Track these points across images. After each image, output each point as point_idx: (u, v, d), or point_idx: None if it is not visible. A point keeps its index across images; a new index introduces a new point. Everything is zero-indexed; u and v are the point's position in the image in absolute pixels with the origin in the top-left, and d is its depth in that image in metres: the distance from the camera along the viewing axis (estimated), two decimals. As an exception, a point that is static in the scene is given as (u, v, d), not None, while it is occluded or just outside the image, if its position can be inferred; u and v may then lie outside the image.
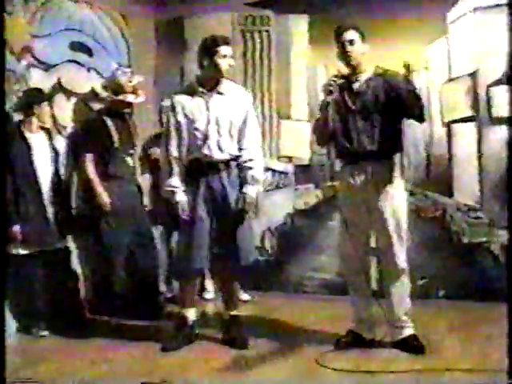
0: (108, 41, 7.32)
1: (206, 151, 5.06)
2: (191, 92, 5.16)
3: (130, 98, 6.16)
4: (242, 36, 7.53)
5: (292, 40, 7.43)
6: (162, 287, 6.68)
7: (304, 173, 7.40)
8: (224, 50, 5.03)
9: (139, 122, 6.74)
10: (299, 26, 7.40)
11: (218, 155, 5.07)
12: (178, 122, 5.13)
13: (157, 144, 6.52)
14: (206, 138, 5.06)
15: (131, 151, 6.25)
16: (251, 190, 5.10)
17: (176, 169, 5.14)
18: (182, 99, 5.16)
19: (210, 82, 5.12)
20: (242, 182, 5.13)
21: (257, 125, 5.37)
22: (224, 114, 5.08)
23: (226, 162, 5.11)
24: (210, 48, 5.05)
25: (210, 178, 5.08)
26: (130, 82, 6.18)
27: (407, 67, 5.62)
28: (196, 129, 5.08)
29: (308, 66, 7.39)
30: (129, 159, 6.19)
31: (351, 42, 4.79)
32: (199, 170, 5.11)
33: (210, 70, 5.08)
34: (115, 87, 6.16)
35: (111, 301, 6.12)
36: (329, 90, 4.72)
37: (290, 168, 7.43)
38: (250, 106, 5.24)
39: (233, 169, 5.14)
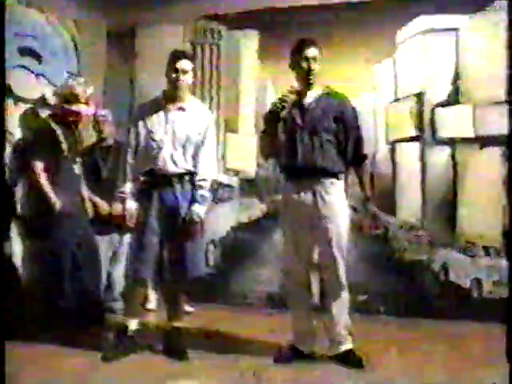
0: (58, 48, 7.26)
1: (160, 163, 5.07)
2: (155, 105, 5.18)
3: (82, 108, 6.08)
4: (193, 48, 7.53)
5: (242, 54, 7.48)
6: (106, 296, 6.61)
7: (249, 186, 7.42)
8: (182, 64, 5.04)
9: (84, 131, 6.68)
10: (249, 41, 7.45)
11: (171, 168, 5.08)
12: (137, 132, 5.15)
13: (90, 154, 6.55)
14: (160, 149, 5.07)
15: (78, 159, 6.19)
16: (199, 209, 5.09)
17: (130, 176, 5.16)
18: (144, 110, 5.21)
19: (172, 96, 5.14)
20: (193, 198, 5.13)
21: (214, 145, 5.37)
22: (181, 128, 5.09)
23: (180, 176, 5.11)
24: (170, 62, 5.08)
25: (163, 191, 5.09)
26: (85, 92, 6.12)
27: None
28: (153, 139, 5.09)
29: (257, 81, 7.42)
30: (76, 167, 6.13)
31: (314, 59, 4.83)
32: (153, 181, 5.12)
33: (170, 85, 5.11)
34: (69, 96, 6.07)
35: (55, 308, 6.03)
36: (283, 105, 4.74)
37: (235, 181, 7.43)
38: (210, 125, 5.24)
39: (186, 182, 5.13)
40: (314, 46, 4.83)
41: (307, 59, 4.81)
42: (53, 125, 6.05)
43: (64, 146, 5.99)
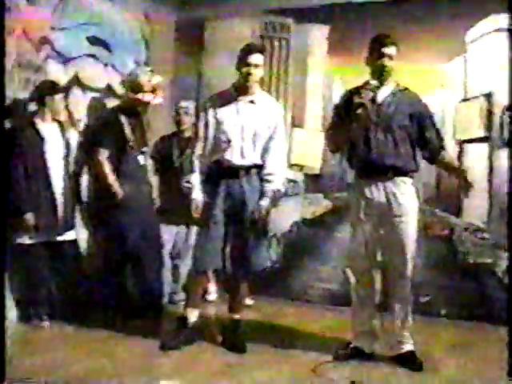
0: (127, 38, 7.30)
1: (228, 156, 5.11)
2: (226, 97, 5.21)
3: (147, 97, 6.12)
4: (261, 42, 7.50)
5: (310, 49, 7.43)
6: (167, 287, 6.64)
7: (314, 182, 7.39)
8: (254, 58, 5.05)
9: (153, 121, 6.72)
10: (318, 35, 7.40)
11: (239, 161, 5.12)
12: (206, 123, 5.19)
13: (165, 145, 6.58)
14: (229, 142, 5.09)
15: (144, 149, 6.22)
16: (268, 204, 5.13)
17: (197, 167, 5.21)
18: (215, 102, 5.22)
19: (243, 89, 5.16)
20: (261, 193, 5.15)
21: (284, 140, 5.39)
22: (251, 122, 5.12)
23: (247, 169, 5.14)
24: (243, 56, 5.08)
25: (230, 182, 5.12)
26: (150, 81, 6.15)
27: None
28: (222, 132, 5.12)
29: (325, 76, 7.38)
30: (141, 158, 6.16)
31: (391, 57, 4.78)
32: (220, 172, 5.15)
33: (241, 78, 5.11)
34: (134, 85, 6.12)
35: (116, 296, 6.08)
36: (360, 102, 4.68)
37: (299, 176, 7.41)
38: (279, 120, 5.28)
39: (253, 175, 5.17)
40: (392, 44, 4.79)
41: (383, 56, 4.76)
42: (119, 115, 6.09)
43: (129, 136, 6.03)
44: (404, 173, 4.81)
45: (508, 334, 4.49)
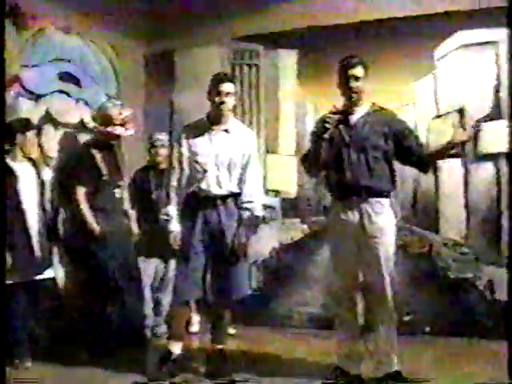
0: (97, 72, 7.32)
1: (204, 185, 5.10)
2: (200, 127, 5.21)
3: (118, 130, 6.09)
4: (232, 69, 7.54)
5: (281, 74, 7.47)
6: (149, 320, 6.60)
7: (290, 207, 7.39)
8: (226, 87, 5.07)
9: (128, 154, 6.70)
10: (288, 60, 7.44)
11: (215, 190, 5.11)
12: (181, 154, 5.19)
13: (141, 177, 6.57)
14: (204, 172, 5.10)
15: (120, 183, 6.18)
16: (246, 232, 5.12)
17: (174, 199, 5.19)
18: (188, 133, 5.22)
19: (216, 119, 5.17)
20: (240, 221, 5.14)
21: (258, 166, 5.41)
22: (225, 151, 5.12)
23: (224, 198, 5.13)
24: (214, 85, 5.10)
25: (208, 212, 5.11)
26: (121, 114, 6.12)
27: None
28: (197, 162, 5.12)
29: (296, 101, 7.40)
30: (117, 191, 6.13)
31: (357, 79, 4.78)
32: (198, 202, 5.14)
33: (214, 107, 5.12)
34: (104, 118, 6.09)
35: (98, 331, 6.03)
36: (325, 127, 4.68)
37: (276, 202, 7.41)
38: (253, 147, 5.29)
39: (230, 204, 5.16)
40: (358, 64, 4.79)
41: (349, 78, 4.77)
42: (91, 149, 6.07)
43: (103, 170, 6.00)
44: (379, 193, 4.80)
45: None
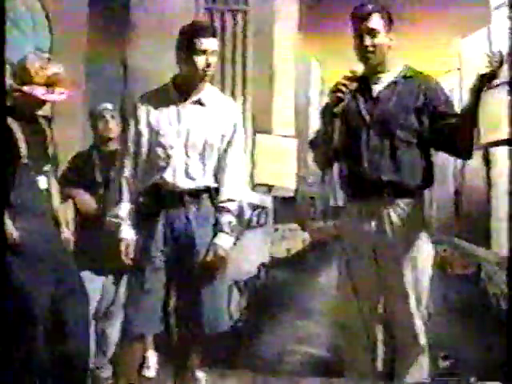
0: (24, 18, 7.25)
1: (168, 177, 4.94)
2: (163, 96, 5.07)
3: (39, 91, 5.96)
4: (210, 17, 7.48)
5: (276, 24, 7.42)
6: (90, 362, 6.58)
7: (286, 208, 7.35)
8: (205, 42, 4.88)
9: (63, 129, 6.62)
10: (286, 6, 7.40)
11: (184, 183, 4.93)
12: (138, 133, 5.00)
13: (82, 164, 6.49)
14: (169, 158, 4.94)
15: (45, 168, 6.06)
16: (226, 241, 4.96)
17: (126, 195, 5.01)
18: (148, 104, 5.06)
19: (188, 86, 5.02)
20: (217, 227, 5.01)
21: (243, 153, 5.31)
22: (199, 129, 4.96)
23: (195, 194, 4.99)
24: (187, 40, 4.93)
25: (173, 213, 4.95)
26: (44, 68, 6.01)
27: None
28: (160, 144, 4.96)
29: (296, 60, 7.37)
30: (41, 179, 6.00)
31: (372, 33, 4.70)
32: (158, 200, 4.98)
33: (186, 71, 4.97)
34: (23, 75, 5.98)
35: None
36: (338, 97, 4.60)
37: (268, 200, 7.35)
38: (238, 125, 5.11)
39: (204, 203, 5.01)
40: (376, 15, 4.72)
41: (366, 31, 4.71)
42: (7, 119, 5.94)
43: (22, 149, 5.88)
44: (407, 191, 4.72)
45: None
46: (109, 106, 6.45)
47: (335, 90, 4.54)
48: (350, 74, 4.57)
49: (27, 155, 5.71)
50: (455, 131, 4.57)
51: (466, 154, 4.78)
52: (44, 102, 5.87)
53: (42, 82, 5.77)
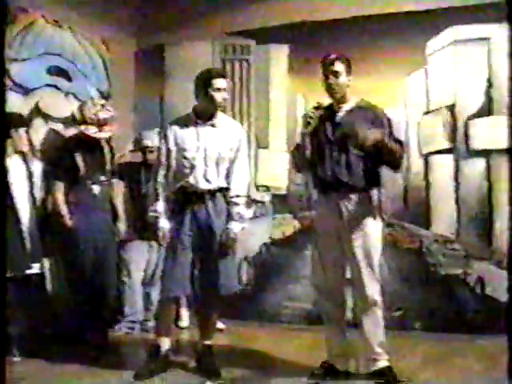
0: (88, 66, 7.29)
1: (192, 180, 5.09)
2: (186, 122, 5.20)
3: (91, 131, 6.08)
4: (223, 64, 7.54)
5: (272, 69, 7.46)
6: (139, 315, 6.63)
7: (281, 202, 7.39)
8: (219, 82, 5.06)
9: (118, 149, 6.68)
10: (279, 55, 7.43)
11: (203, 185, 5.09)
12: (168, 150, 5.18)
13: (132, 171, 6.59)
14: (192, 167, 5.09)
15: (102, 178, 6.14)
16: (235, 227, 5.11)
17: (161, 195, 5.20)
18: (175, 128, 5.20)
19: (205, 113, 5.16)
20: (228, 216, 5.13)
21: (247, 161, 5.40)
22: (213, 145, 5.10)
23: (212, 193, 5.12)
24: (204, 81, 5.08)
25: (196, 207, 5.10)
26: (96, 115, 6.09)
27: None
28: (184, 157, 5.11)
29: (287, 96, 7.40)
30: (95, 188, 6.09)
31: (336, 74, 4.79)
32: (185, 198, 5.14)
33: (204, 102, 5.12)
34: (80, 118, 6.13)
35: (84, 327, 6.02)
36: (307, 121, 4.72)
37: (267, 197, 7.42)
38: (242, 141, 5.26)
39: (219, 199, 5.15)
40: (338, 61, 4.81)
41: (331, 73, 4.80)
42: (71, 145, 6.10)
43: (81, 167, 6.00)
44: (361, 189, 4.80)
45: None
46: (148, 143, 6.58)
47: (305, 116, 4.68)
48: (316, 105, 4.71)
49: (84, 169, 5.86)
50: (387, 151, 4.70)
51: (395, 168, 4.91)
52: (89, 136, 6.03)
53: (94, 124, 5.92)
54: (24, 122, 5.86)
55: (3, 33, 5.44)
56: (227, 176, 5.16)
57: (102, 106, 6.21)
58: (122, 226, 6.40)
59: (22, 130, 5.76)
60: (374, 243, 4.82)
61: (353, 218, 4.78)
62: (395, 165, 4.92)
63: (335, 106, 4.89)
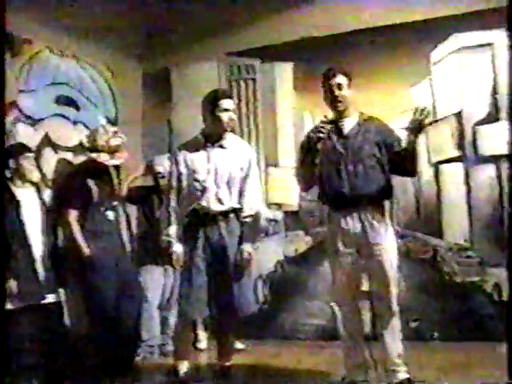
0: (95, 94, 7.35)
1: (204, 203, 5.06)
2: (195, 145, 5.18)
3: (103, 158, 6.08)
4: (229, 85, 7.57)
5: (277, 87, 7.49)
6: (156, 339, 6.62)
7: (293, 219, 7.39)
8: (225, 103, 5.05)
9: (126, 174, 6.69)
10: (284, 73, 7.46)
11: (216, 207, 5.06)
12: (179, 173, 5.15)
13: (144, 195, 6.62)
14: (204, 189, 5.06)
15: (114, 203, 6.16)
16: (249, 247, 5.09)
17: (174, 219, 5.16)
18: (185, 151, 5.19)
19: (213, 135, 5.13)
20: (242, 236, 5.12)
21: (258, 180, 5.39)
22: (224, 166, 5.07)
23: (225, 214, 5.09)
24: (211, 102, 5.07)
25: (209, 229, 5.07)
26: (107, 143, 6.10)
27: None
28: (196, 180, 5.08)
29: (294, 112, 7.42)
30: (110, 213, 6.10)
31: (339, 87, 4.81)
32: (198, 221, 5.10)
33: (212, 124, 5.10)
34: (91, 145, 6.13)
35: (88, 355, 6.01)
36: (318, 136, 4.69)
37: (279, 215, 7.42)
38: (252, 160, 5.23)
39: (232, 220, 5.12)
40: (340, 74, 4.83)
41: (331, 87, 4.81)
42: (83, 172, 6.11)
43: (94, 193, 6.01)
44: (378, 201, 4.81)
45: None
46: (161, 170, 6.57)
47: (316, 131, 4.66)
48: (324, 119, 4.69)
49: (97, 196, 5.87)
50: (401, 159, 4.69)
51: (411, 174, 4.93)
52: (100, 163, 6.04)
53: (106, 151, 5.92)
54: (25, 150, 5.82)
55: (3, 55, 5.48)
56: (239, 196, 5.15)
57: (115, 132, 6.23)
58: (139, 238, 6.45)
59: (29, 159, 5.76)
60: (394, 254, 4.83)
61: (374, 229, 4.77)
62: (413, 169, 4.93)
63: (339, 121, 4.89)
